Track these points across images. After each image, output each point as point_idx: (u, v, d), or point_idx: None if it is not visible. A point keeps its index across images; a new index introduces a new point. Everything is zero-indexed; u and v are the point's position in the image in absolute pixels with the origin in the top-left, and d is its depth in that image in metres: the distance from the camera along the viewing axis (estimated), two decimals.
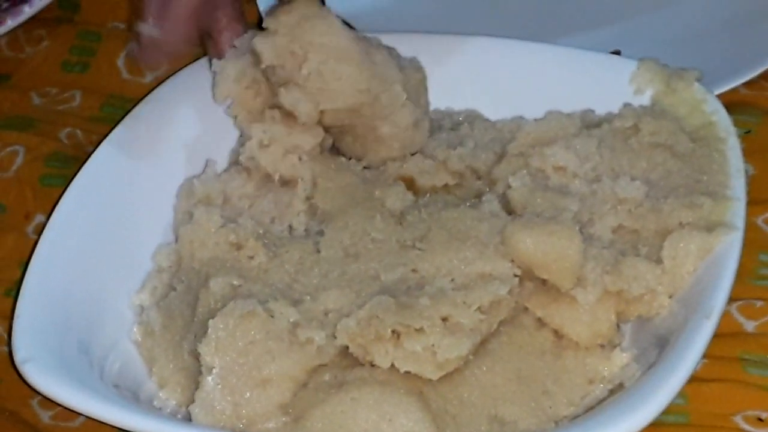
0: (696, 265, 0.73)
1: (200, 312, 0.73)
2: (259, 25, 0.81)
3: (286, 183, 0.80)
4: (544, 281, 0.73)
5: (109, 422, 0.67)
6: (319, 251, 0.75)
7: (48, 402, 0.69)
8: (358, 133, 0.80)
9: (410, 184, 0.79)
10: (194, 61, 0.86)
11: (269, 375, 0.70)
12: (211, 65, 0.82)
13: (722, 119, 0.79)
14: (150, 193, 0.80)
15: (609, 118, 0.81)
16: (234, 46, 0.80)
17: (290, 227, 0.79)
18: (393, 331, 0.69)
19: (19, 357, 0.69)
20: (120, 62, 0.98)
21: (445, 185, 0.80)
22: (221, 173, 0.82)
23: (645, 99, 0.82)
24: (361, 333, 0.69)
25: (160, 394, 0.73)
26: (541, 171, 0.78)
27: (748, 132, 0.86)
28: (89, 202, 0.78)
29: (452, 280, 0.72)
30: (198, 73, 0.85)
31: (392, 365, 0.69)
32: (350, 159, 0.81)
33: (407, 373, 0.69)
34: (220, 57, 0.80)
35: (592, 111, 0.83)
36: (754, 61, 0.90)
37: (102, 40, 0.99)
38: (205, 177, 0.81)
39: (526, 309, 0.74)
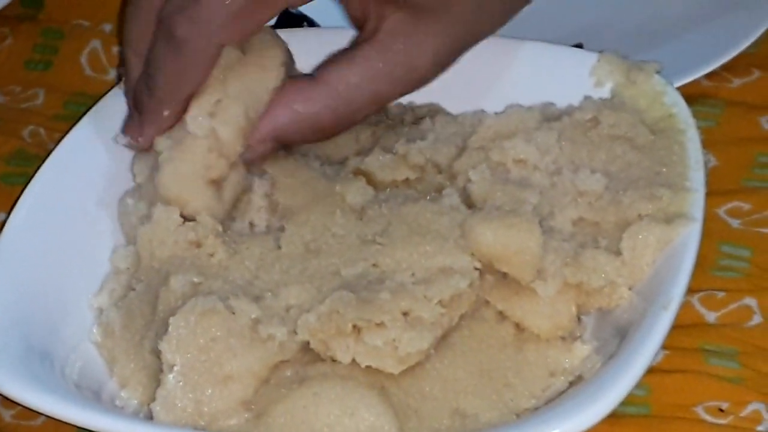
0: (655, 257, 0.73)
1: (161, 310, 0.72)
2: None
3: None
4: (504, 274, 0.73)
5: (69, 421, 0.67)
6: (279, 247, 0.75)
7: (9, 401, 0.69)
8: None
9: (370, 179, 0.80)
10: None
11: (231, 372, 0.69)
12: None
13: (682, 111, 0.80)
14: (110, 193, 0.80)
15: (569, 110, 0.81)
16: None
17: (251, 224, 0.79)
18: (354, 326, 0.69)
19: None
20: (83, 60, 0.98)
21: (406, 179, 0.80)
22: None
23: (605, 91, 0.83)
24: (322, 328, 0.70)
25: (122, 394, 0.73)
26: (501, 164, 0.78)
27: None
28: (48, 202, 0.78)
29: (413, 274, 0.72)
30: None
31: (353, 360, 0.69)
32: (307, 155, 0.81)
33: (368, 367, 0.69)
34: None
35: (553, 104, 0.83)
36: (715, 53, 0.90)
37: (65, 38, 0.99)
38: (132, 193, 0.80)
39: (487, 302, 0.74)
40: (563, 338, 0.74)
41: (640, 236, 0.73)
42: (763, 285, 0.79)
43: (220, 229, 0.76)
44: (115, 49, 0.98)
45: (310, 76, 0.77)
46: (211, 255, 0.75)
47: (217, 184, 0.76)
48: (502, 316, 0.74)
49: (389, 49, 0.76)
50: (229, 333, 0.70)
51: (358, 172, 0.80)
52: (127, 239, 0.78)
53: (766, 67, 0.92)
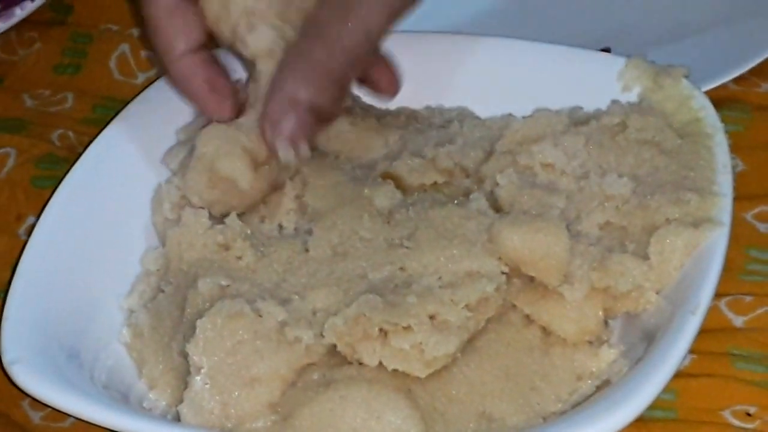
0: (682, 261, 0.73)
1: (188, 313, 0.73)
2: None
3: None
4: (531, 278, 0.73)
5: (97, 423, 0.67)
6: (307, 250, 0.75)
7: (38, 403, 0.70)
8: None
9: (399, 183, 0.79)
10: None
11: (258, 374, 0.70)
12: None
13: (709, 115, 0.79)
14: (140, 195, 0.80)
15: (597, 115, 0.81)
16: None
17: (280, 226, 0.79)
18: (380, 330, 0.69)
19: (7, 358, 0.69)
20: (112, 63, 0.98)
21: (434, 183, 0.80)
22: None
23: (633, 96, 0.82)
24: (349, 332, 0.70)
25: (150, 395, 0.73)
26: (528, 168, 0.78)
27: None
28: (78, 204, 0.78)
29: (440, 278, 0.72)
30: None
31: (380, 363, 0.69)
32: (339, 156, 0.82)
33: (395, 371, 0.69)
34: None
35: (581, 108, 0.83)
36: (743, 57, 0.90)
37: (94, 42, 0.99)
38: (170, 179, 0.81)
39: (513, 306, 0.74)
40: (590, 342, 0.74)
41: (668, 240, 0.73)
42: None
43: (249, 231, 0.76)
44: (143, 54, 0.98)
45: None
46: (239, 258, 0.75)
47: (254, 162, 0.76)
48: (528, 319, 0.74)
49: None
50: (256, 336, 0.70)
51: (386, 176, 0.80)
52: (160, 237, 0.79)
53: None
